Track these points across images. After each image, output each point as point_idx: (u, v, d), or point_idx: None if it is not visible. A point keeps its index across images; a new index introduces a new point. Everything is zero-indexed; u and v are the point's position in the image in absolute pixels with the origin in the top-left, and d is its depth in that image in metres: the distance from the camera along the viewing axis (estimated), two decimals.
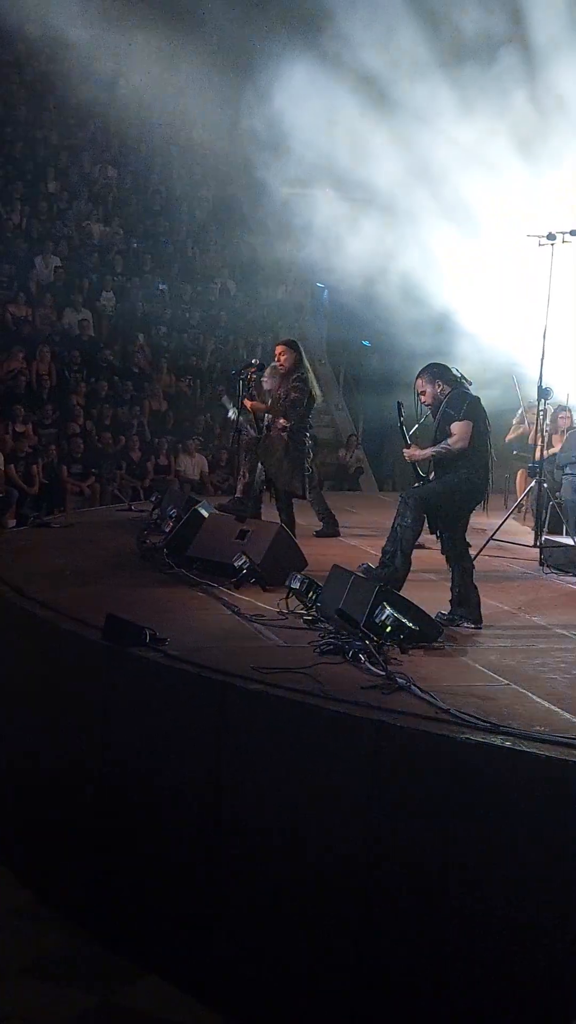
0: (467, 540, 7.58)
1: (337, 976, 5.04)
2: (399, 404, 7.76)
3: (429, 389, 7.55)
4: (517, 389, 12.56)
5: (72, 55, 23.67)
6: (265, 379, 10.24)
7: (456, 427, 7.35)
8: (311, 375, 9.85)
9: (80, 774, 6.30)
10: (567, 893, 4.47)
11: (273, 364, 10.07)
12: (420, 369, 7.68)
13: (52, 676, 6.64)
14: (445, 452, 7.37)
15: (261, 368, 10.19)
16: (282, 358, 9.83)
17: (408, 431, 7.73)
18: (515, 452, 12.91)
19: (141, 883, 5.89)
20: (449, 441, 7.35)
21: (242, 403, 10.02)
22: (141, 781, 5.94)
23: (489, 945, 4.64)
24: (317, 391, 9.91)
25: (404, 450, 7.67)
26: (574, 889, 4.47)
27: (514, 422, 13.61)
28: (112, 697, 6.15)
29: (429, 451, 7.48)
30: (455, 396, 7.47)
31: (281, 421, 9.62)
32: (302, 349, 10.01)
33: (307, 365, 9.90)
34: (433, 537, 7.66)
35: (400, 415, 7.72)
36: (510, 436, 13.31)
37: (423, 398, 7.60)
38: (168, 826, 5.77)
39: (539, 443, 10.57)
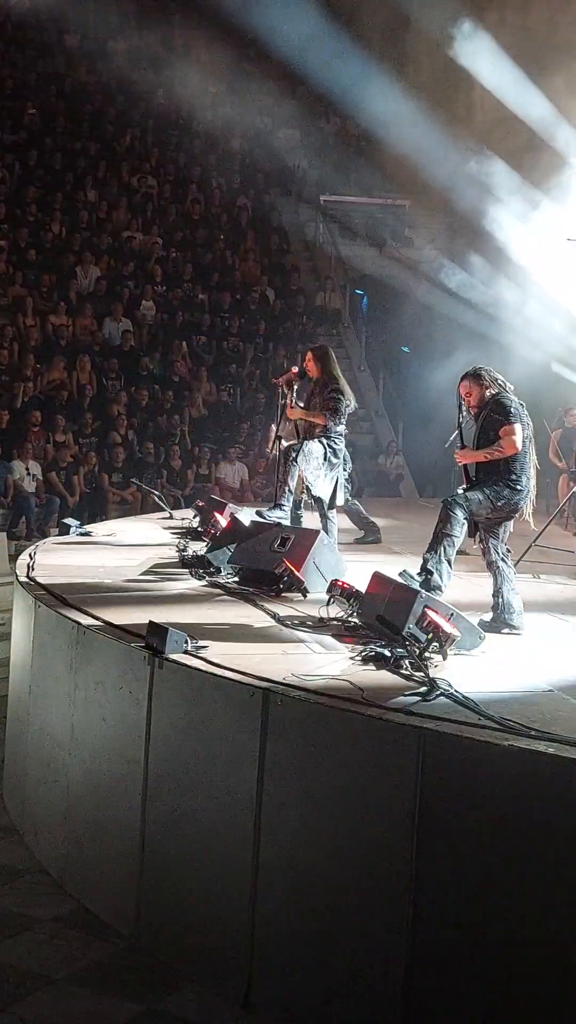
0: (508, 547, 7.55)
1: (383, 988, 5.02)
2: (460, 405, 7.67)
3: (476, 392, 7.50)
4: None
5: (110, 66, 23.86)
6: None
7: (507, 431, 7.31)
8: (343, 382, 9.84)
9: (121, 781, 6.31)
10: None
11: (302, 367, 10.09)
12: (464, 373, 7.64)
13: (94, 684, 6.67)
14: (498, 455, 7.33)
15: (301, 375, 10.18)
16: (309, 364, 9.86)
17: (453, 435, 7.67)
18: (560, 463, 12.89)
19: (183, 891, 5.89)
20: (501, 444, 7.31)
21: (285, 413, 10.02)
22: (182, 788, 5.95)
23: (535, 956, 4.62)
24: (351, 398, 9.88)
25: (456, 451, 7.61)
26: None
27: (554, 427, 13.58)
28: (153, 704, 6.16)
29: (481, 453, 7.42)
30: (503, 400, 7.43)
31: (317, 429, 9.63)
32: (332, 355, 10.01)
33: (338, 373, 9.89)
34: (473, 543, 7.63)
35: (460, 416, 7.64)
36: (552, 452, 13.25)
37: (470, 400, 7.54)
38: (209, 833, 5.77)
39: None
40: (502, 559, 7.44)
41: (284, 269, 22.60)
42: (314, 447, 9.58)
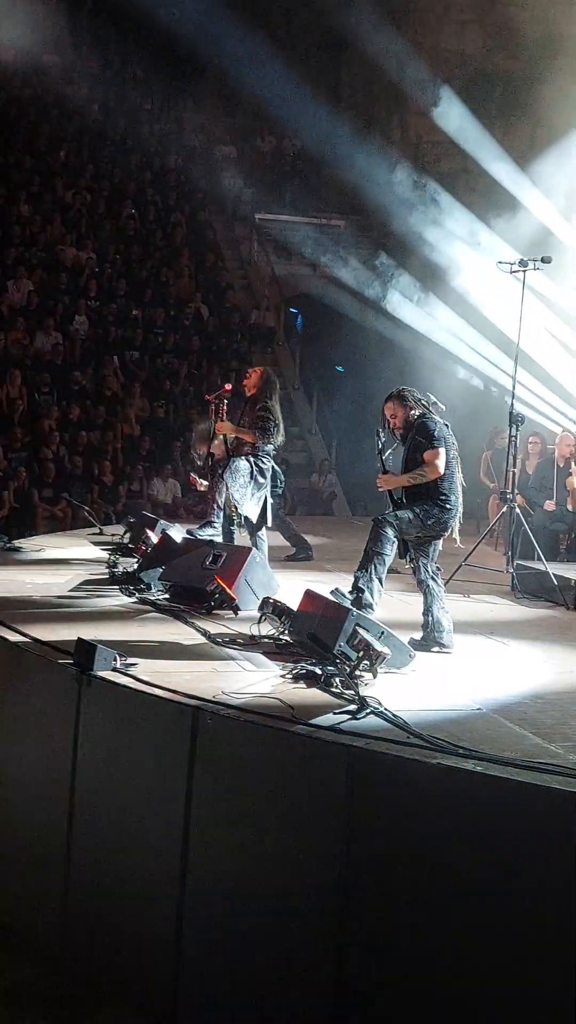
0: (438, 565, 7.58)
1: (310, 1005, 4.99)
2: (377, 432, 7.71)
3: (401, 413, 7.55)
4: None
5: (46, 80, 23.76)
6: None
7: (430, 455, 7.36)
8: (276, 403, 9.83)
9: (48, 801, 6.24)
10: (539, 916, 4.46)
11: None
12: (389, 394, 7.68)
13: (22, 701, 6.59)
14: (420, 479, 7.37)
15: (234, 393, 10.17)
16: (249, 381, 9.85)
17: (381, 458, 7.70)
18: (491, 484, 12.97)
19: (109, 909, 5.83)
20: (424, 469, 7.35)
21: (215, 427, 9.99)
22: (110, 807, 5.89)
23: (464, 970, 4.61)
24: (280, 419, 9.84)
25: (379, 477, 7.65)
26: (547, 914, 4.45)
27: (485, 448, 13.68)
28: (81, 722, 6.10)
29: (403, 478, 7.46)
30: (426, 423, 7.47)
31: (246, 447, 9.61)
32: (271, 375, 10.01)
33: (274, 398, 9.88)
34: (404, 562, 7.66)
35: (378, 443, 7.67)
36: (483, 473, 13.34)
37: (394, 422, 7.58)
38: (137, 853, 5.71)
39: (508, 469, 10.55)
40: (432, 578, 7.47)
41: (219, 287, 22.60)
42: (241, 465, 9.56)
